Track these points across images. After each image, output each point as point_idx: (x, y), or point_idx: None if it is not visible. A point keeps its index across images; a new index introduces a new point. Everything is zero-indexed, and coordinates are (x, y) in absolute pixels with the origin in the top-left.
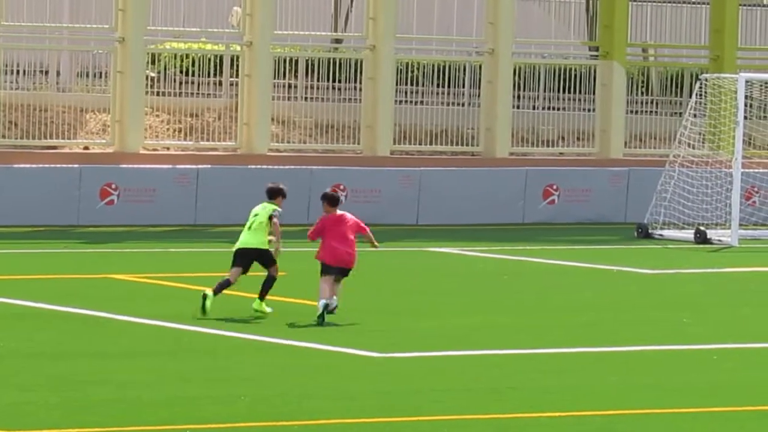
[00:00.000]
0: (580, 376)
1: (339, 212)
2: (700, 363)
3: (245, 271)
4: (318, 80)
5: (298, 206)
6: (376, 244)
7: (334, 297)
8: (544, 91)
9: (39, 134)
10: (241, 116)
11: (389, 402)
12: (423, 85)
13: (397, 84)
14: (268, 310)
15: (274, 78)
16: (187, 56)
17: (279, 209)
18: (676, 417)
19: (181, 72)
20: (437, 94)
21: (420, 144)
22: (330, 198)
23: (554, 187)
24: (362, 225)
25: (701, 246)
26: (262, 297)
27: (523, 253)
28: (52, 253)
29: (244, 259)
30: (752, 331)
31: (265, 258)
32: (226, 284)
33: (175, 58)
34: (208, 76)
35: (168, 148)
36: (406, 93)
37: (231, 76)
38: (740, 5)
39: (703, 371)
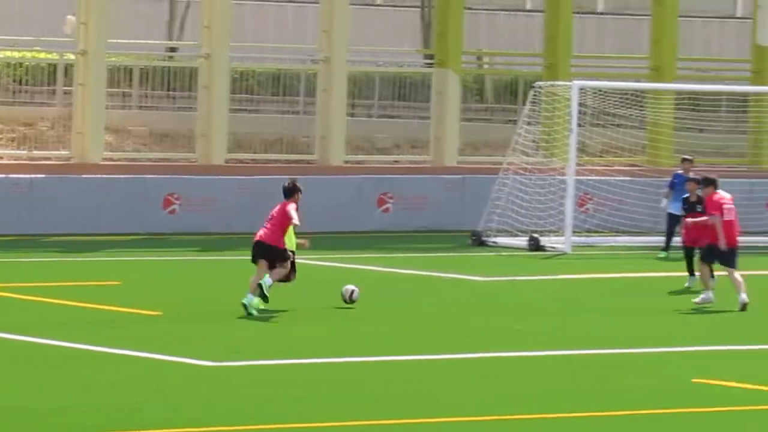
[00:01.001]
0: (418, 384)
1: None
2: (533, 370)
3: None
4: (153, 89)
5: (134, 216)
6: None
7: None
8: (379, 99)
9: None
10: (75, 125)
11: (219, 411)
12: (258, 94)
13: (232, 92)
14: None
15: (109, 87)
16: (21, 65)
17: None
18: (512, 423)
19: (15, 81)
20: (272, 102)
21: (255, 152)
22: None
23: (389, 195)
24: (288, 216)
25: (535, 253)
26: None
27: (359, 261)
28: None
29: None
30: (586, 338)
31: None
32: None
33: (9, 66)
34: (42, 85)
35: (1, 158)
36: (241, 101)
37: (65, 85)
38: (574, 13)
39: (536, 378)
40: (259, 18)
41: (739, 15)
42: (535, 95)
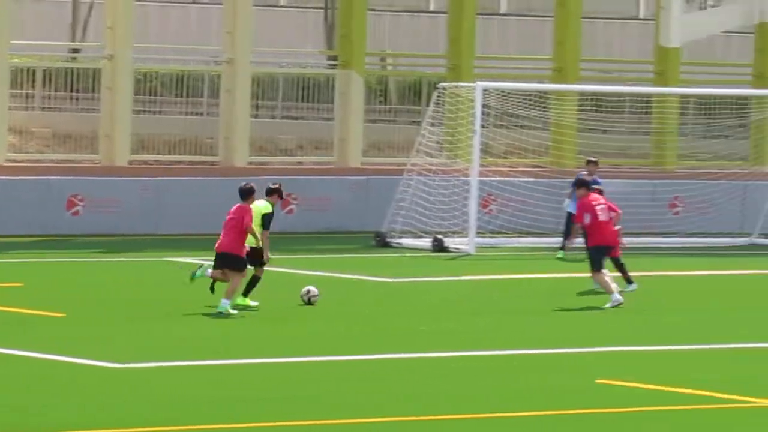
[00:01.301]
0: (308, 386)
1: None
2: (437, 371)
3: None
4: (56, 90)
5: (37, 217)
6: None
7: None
8: (283, 100)
9: None
10: None
11: (123, 412)
12: (162, 95)
13: (135, 93)
14: (253, 304)
15: (11, 88)
16: None
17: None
18: (409, 425)
19: None
20: (176, 103)
21: (159, 153)
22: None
23: (293, 196)
24: (244, 222)
25: (439, 254)
26: (246, 293)
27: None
28: None
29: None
30: (490, 339)
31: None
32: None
33: None
34: None
35: None
36: (144, 103)
37: None
38: (477, 14)
39: (438, 379)
40: (162, 19)
41: (642, 16)
42: (438, 96)
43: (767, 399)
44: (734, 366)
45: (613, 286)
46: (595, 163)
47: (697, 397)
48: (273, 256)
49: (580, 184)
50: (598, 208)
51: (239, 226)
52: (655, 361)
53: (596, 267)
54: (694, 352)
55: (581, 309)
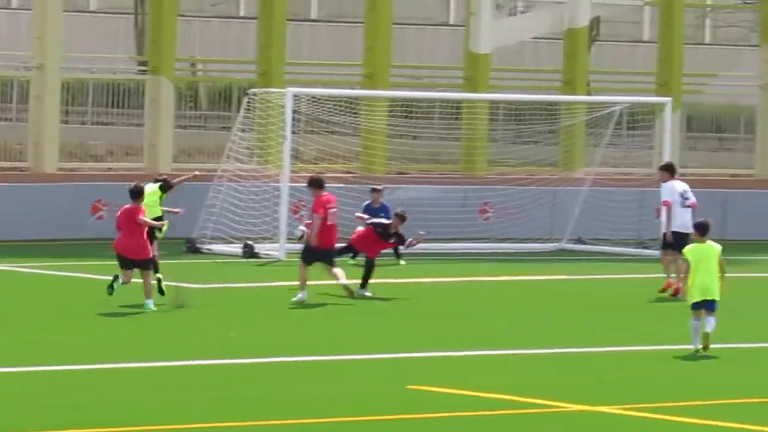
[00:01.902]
0: (121, 393)
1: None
2: (242, 377)
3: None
4: None
5: None
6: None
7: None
8: (93, 106)
9: None
10: None
11: None
12: None
13: None
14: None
15: None
16: None
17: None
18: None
19: None
20: None
21: None
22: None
23: (103, 202)
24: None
25: (249, 260)
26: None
27: (69, 269)
28: None
29: None
30: (297, 345)
31: None
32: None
33: None
34: None
35: None
36: None
37: None
38: (288, 20)
39: (248, 385)
40: None
41: (452, 22)
42: (249, 102)
43: (578, 404)
44: (544, 371)
45: (304, 284)
46: (379, 191)
47: (508, 402)
48: (82, 263)
49: (313, 182)
50: (330, 209)
51: (135, 226)
52: (466, 366)
53: (306, 261)
54: (505, 357)
55: (397, 313)
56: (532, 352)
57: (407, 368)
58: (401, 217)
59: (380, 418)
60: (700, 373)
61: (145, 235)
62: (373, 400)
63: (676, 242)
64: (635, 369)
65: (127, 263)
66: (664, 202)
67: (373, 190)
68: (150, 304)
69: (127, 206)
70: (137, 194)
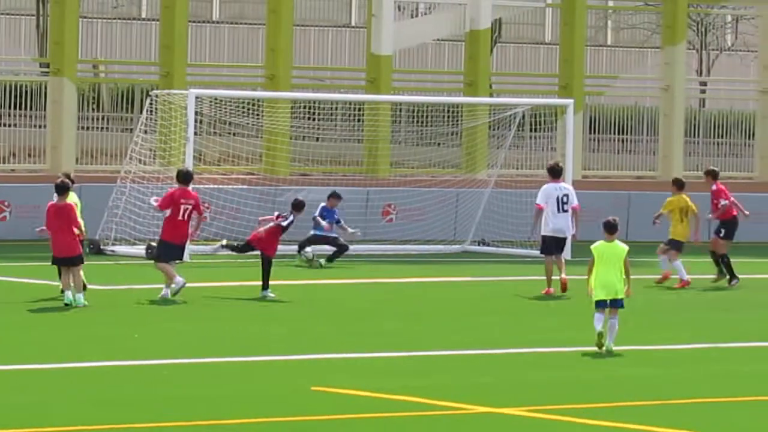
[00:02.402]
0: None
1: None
2: (147, 377)
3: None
4: None
5: None
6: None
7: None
8: None
9: None
10: None
11: None
12: None
13: None
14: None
15: None
16: None
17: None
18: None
19: None
20: None
21: None
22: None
23: (6, 203)
24: (72, 218)
25: (152, 261)
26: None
27: None
28: None
29: None
30: (204, 346)
31: None
32: None
33: None
34: None
35: None
36: None
37: None
38: (189, 22)
39: (149, 385)
40: None
41: (354, 24)
42: (151, 104)
43: (482, 406)
44: (448, 373)
45: (174, 274)
46: (339, 197)
47: (412, 404)
48: None
49: (181, 176)
50: (183, 206)
51: (67, 222)
52: (370, 368)
53: (162, 259)
54: (409, 358)
55: (299, 315)
56: (436, 354)
57: (312, 370)
58: (299, 205)
59: (285, 419)
60: (602, 374)
61: (72, 230)
62: (277, 402)
63: (546, 246)
64: (538, 371)
65: (65, 262)
66: (536, 205)
67: (330, 196)
68: (81, 298)
69: (55, 203)
70: (64, 189)
